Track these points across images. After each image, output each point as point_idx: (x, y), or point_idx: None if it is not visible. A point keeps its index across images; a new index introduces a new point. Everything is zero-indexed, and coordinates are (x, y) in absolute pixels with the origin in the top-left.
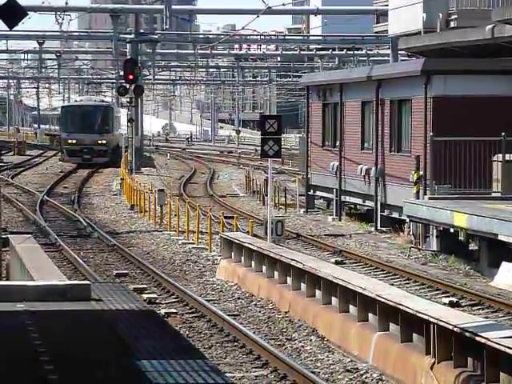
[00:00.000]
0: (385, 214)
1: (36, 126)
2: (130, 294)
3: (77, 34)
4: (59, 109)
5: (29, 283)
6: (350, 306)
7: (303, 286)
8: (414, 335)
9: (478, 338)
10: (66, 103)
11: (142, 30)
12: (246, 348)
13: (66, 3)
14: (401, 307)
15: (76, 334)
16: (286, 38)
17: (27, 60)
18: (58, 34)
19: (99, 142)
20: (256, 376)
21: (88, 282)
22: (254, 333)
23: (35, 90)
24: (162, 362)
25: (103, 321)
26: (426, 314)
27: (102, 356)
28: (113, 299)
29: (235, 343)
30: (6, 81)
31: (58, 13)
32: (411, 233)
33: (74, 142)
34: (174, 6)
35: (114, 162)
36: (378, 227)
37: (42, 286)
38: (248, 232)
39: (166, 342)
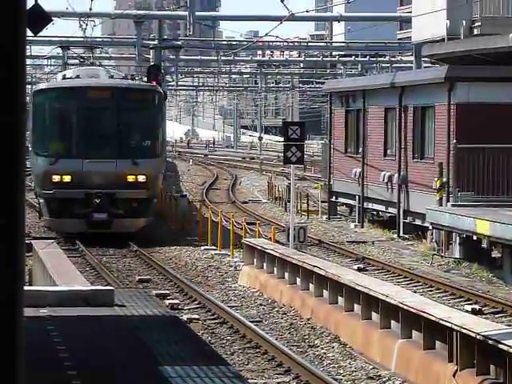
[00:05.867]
0: (407, 220)
1: None
2: (152, 299)
3: (100, 39)
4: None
5: (52, 288)
6: (373, 313)
7: (325, 292)
8: (437, 342)
9: (500, 346)
10: (46, 84)
11: (165, 36)
12: (268, 354)
13: (90, 9)
14: (423, 314)
15: (99, 340)
16: (309, 44)
17: (50, 66)
18: (81, 39)
19: (130, 177)
20: (278, 383)
21: (111, 288)
22: (277, 339)
23: None
24: (184, 368)
25: (126, 326)
26: (448, 322)
27: (124, 362)
28: (136, 305)
29: (257, 350)
30: (29, 86)
31: (82, 18)
32: (434, 240)
33: (68, 178)
34: (197, 13)
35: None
36: (401, 234)
37: (65, 292)
38: (270, 238)
39: (188, 348)
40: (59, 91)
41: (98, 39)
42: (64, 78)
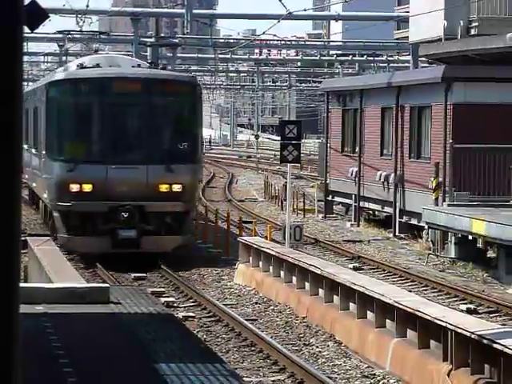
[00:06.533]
0: (403, 220)
1: None
2: (148, 297)
3: (97, 36)
4: (37, 90)
5: (48, 285)
6: (368, 312)
7: (321, 291)
8: (432, 342)
9: (495, 346)
10: (61, 72)
11: (162, 34)
12: (263, 353)
13: (87, 6)
14: (418, 314)
15: (95, 337)
16: (307, 43)
17: (47, 63)
18: (78, 36)
19: (163, 186)
20: (273, 381)
21: (107, 285)
22: (272, 337)
23: None
24: (179, 365)
25: (122, 324)
26: (443, 321)
27: (120, 359)
28: (131, 302)
29: (253, 348)
30: (26, 83)
31: (79, 15)
32: (429, 239)
33: (89, 188)
34: (194, 11)
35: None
36: (397, 233)
37: (61, 289)
38: (266, 237)
39: (183, 346)
40: (80, 83)
41: (95, 36)
42: (81, 66)
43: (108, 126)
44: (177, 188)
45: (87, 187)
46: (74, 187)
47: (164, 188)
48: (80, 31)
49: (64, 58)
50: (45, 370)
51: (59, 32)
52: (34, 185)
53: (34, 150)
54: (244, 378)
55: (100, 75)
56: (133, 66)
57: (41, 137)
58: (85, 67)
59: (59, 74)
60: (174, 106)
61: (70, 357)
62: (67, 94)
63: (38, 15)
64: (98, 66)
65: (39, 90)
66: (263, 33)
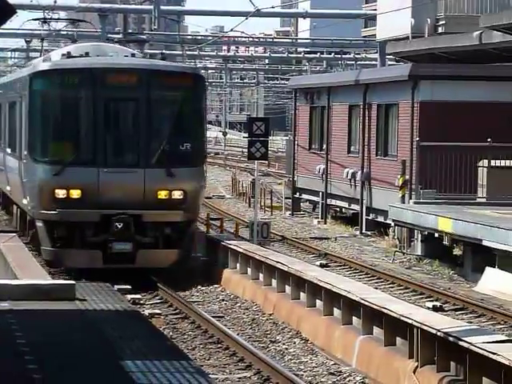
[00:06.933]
0: (370, 217)
1: None
2: (114, 294)
3: (64, 32)
4: (15, 82)
5: (13, 282)
6: (335, 309)
7: (288, 288)
8: (398, 339)
9: (461, 343)
10: (44, 61)
11: (130, 30)
12: (229, 350)
13: (55, 2)
14: (385, 311)
15: (60, 334)
16: (275, 40)
17: (14, 58)
18: (45, 32)
19: (162, 193)
20: (239, 378)
21: (73, 282)
22: (238, 334)
23: None
24: (145, 363)
25: (88, 321)
26: (409, 318)
27: (86, 356)
28: (97, 299)
29: (219, 345)
30: None
31: (46, 11)
32: (396, 237)
33: (78, 194)
34: (162, 7)
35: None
36: (363, 231)
37: (27, 285)
38: (234, 234)
39: (149, 343)
40: (68, 74)
41: (62, 32)
42: (68, 55)
43: (100, 123)
44: (178, 195)
45: (76, 193)
46: (61, 193)
47: (163, 195)
48: (56, 19)
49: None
50: (10, 367)
51: (34, 20)
52: (8, 188)
53: (8, 150)
54: (210, 375)
55: (91, 65)
56: (125, 56)
57: (21, 135)
58: (72, 56)
59: (44, 64)
60: (176, 101)
61: (36, 353)
62: (54, 86)
63: (6, 11)
64: (87, 54)
65: (19, 82)
66: (231, 30)
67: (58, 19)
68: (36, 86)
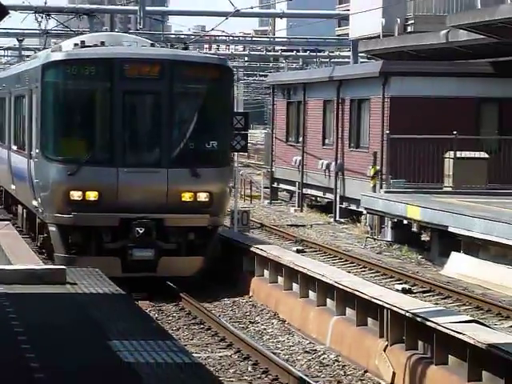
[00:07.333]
0: (343, 206)
1: None
2: (103, 278)
3: (55, 32)
4: (22, 75)
5: (7, 267)
6: (310, 292)
7: (266, 272)
8: (369, 319)
9: (428, 323)
10: (62, 53)
11: (116, 30)
12: (211, 330)
13: (45, 3)
14: (357, 293)
15: (52, 316)
16: (253, 39)
17: (7, 56)
18: (37, 31)
19: (186, 195)
20: (221, 356)
21: (63, 267)
22: (220, 316)
23: None
24: (132, 343)
25: (77, 303)
26: (380, 300)
27: (75, 336)
28: (87, 283)
29: (201, 326)
30: None
31: (38, 12)
32: (367, 224)
33: (95, 196)
34: (147, 7)
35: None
36: (337, 218)
37: (20, 270)
38: None
39: (136, 324)
40: (85, 64)
41: (52, 31)
42: (82, 45)
43: (119, 118)
44: (203, 197)
45: (92, 195)
46: (76, 195)
47: (187, 197)
48: (61, 11)
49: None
50: (3, 348)
51: (37, 12)
52: (13, 187)
53: (14, 147)
54: (193, 354)
55: (110, 55)
56: (143, 46)
57: (31, 131)
58: (86, 46)
59: (58, 54)
60: (202, 94)
61: (28, 333)
62: (69, 77)
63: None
64: (102, 44)
65: (27, 74)
66: (212, 29)
67: (62, 11)
68: (49, 78)
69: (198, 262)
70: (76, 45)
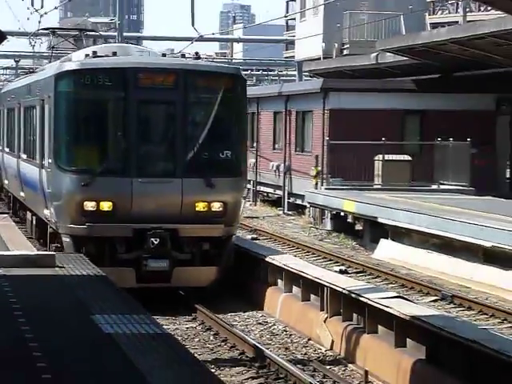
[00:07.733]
0: (291, 200)
1: None
2: (88, 263)
3: (47, 54)
4: (34, 85)
5: (6, 253)
6: (262, 273)
7: None
8: (312, 296)
9: (361, 299)
10: (76, 62)
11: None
12: (180, 307)
13: (38, 30)
14: (302, 274)
15: (44, 294)
16: (215, 60)
17: (6, 75)
18: (30, 54)
19: (201, 205)
20: (187, 328)
21: (53, 253)
22: (189, 296)
23: None
24: (111, 317)
25: (65, 284)
26: (321, 280)
27: (64, 311)
28: (73, 267)
29: (173, 304)
30: None
31: (31, 37)
32: (311, 215)
33: (109, 207)
34: (125, 33)
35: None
36: (285, 211)
37: (17, 256)
38: None
39: (115, 302)
40: (99, 74)
41: (44, 53)
42: (94, 55)
43: (134, 128)
44: (217, 207)
45: (106, 205)
46: (90, 205)
47: (202, 207)
48: (64, 28)
49: (18, 72)
50: (2, 321)
51: (44, 29)
52: (22, 195)
53: (24, 156)
54: (164, 326)
55: (124, 65)
56: (154, 56)
57: (43, 141)
58: (99, 56)
59: (71, 64)
60: (216, 104)
61: (23, 310)
62: (82, 87)
63: None
64: (114, 54)
65: (38, 85)
66: (179, 52)
67: (65, 28)
68: (62, 88)
69: (213, 273)
70: (87, 55)
